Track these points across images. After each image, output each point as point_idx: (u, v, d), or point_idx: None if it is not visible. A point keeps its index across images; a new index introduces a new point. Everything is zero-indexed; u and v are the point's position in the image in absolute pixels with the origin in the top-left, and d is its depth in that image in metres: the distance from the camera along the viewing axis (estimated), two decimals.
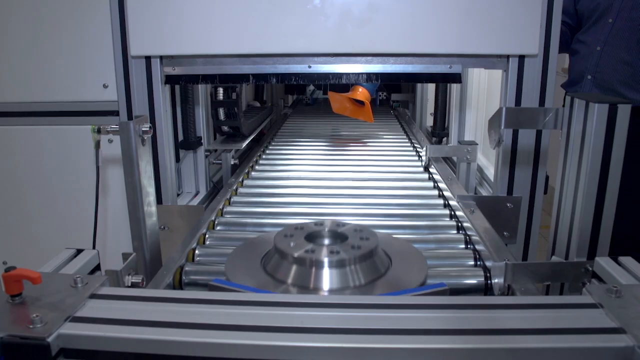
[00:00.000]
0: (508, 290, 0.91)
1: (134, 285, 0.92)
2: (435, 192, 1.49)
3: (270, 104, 3.02)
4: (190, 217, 1.43)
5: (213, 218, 1.28)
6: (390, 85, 3.22)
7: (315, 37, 1.33)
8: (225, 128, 1.92)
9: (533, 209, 1.45)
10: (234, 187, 1.53)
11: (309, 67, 1.40)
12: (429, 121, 2.59)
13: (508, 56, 1.36)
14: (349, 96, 2.20)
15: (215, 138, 1.99)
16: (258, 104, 2.72)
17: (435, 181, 1.59)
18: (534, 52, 1.33)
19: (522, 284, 0.89)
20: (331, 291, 0.86)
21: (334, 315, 0.67)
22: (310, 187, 1.56)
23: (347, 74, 1.40)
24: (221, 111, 1.87)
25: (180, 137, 1.73)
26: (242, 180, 1.63)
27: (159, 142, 1.43)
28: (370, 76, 1.40)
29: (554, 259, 1.01)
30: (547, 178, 1.44)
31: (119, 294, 0.74)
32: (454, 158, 1.89)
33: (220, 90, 1.83)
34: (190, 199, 1.75)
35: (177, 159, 1.70)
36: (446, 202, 1.40)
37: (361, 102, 2.19)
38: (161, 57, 1.39)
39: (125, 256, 0.96)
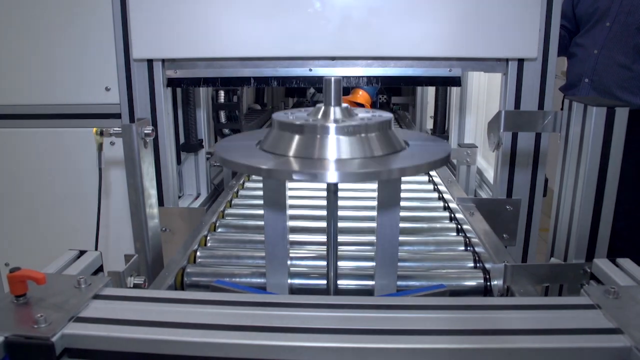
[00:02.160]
0: (507, 292, 0.92)
1: (136, 286, 0.93)
2: (435, 195, 1.50)
3: (270, 106, 3.03)
4: (191, 219, 1.44)
5: (214, 220, 1.29)
6: (390, 89, 3.23)
7: (316, 41, 1.34)
8: (227, 130, 1.93)
9: (532, 212, 1.45)
10: (235, 190, 1.54)
11: (310, 70, 1.41)
12: (429, 124, 2.59)
13: (507, 60, 1.36)
14: (349, 99, 2.21)
15: (216, 140, 2.00)
16: (259, 107, 2.73)
17: (435, 184, 1.59)
18: (533, 55, 1.34)
19: (521, 285, 0.90)
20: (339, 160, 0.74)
21: (334, 316, 0.68)
22: (310, 189, 1.57)
23: (348, 77, 1.41)
24: (222, 114, 1.88)
25: (182, 140, 1.74)
26: (243, 183, 1.63)
27: (160, 145, 1.44)
28: (370, 79, 1.41)
29: (553, 260, 1.02)
30: (546, 181, 1.45)
31: (122, 294, 0.74)
32: (454, 161, 1.90)
33: (222, 93, 1.84)
34: (192, 201, 1.76)
35: (179, 162, 1.71)
36: (446, 204, 1.41)
37: (361, 105, 2.20)
38: (163, 60, 1.40)
39: (127, 258, 0.97)
